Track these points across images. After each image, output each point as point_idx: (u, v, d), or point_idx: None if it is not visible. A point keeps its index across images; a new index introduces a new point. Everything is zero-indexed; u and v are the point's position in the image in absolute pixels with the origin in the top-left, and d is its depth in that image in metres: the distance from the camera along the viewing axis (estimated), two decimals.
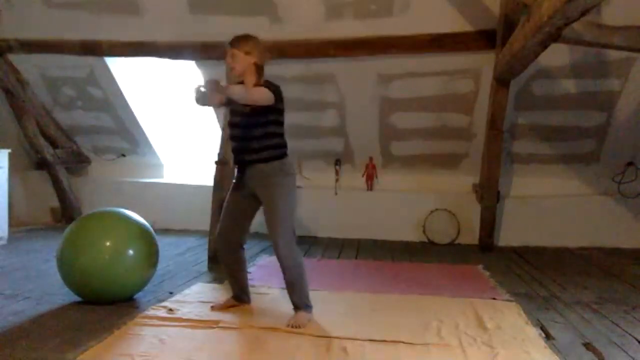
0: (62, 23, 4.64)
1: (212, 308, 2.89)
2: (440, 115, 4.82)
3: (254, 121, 2.63)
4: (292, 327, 2.59)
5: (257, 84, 2.65)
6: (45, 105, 5.51)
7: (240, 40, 2.64)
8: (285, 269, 2.69)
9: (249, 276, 3.66)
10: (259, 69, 2.67)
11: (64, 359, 2.19)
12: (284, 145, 2.73)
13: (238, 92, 2.48)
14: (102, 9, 4.49)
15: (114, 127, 5.63)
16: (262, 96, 2.55)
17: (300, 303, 2.70)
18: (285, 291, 3.20)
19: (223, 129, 4.33)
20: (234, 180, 2.85)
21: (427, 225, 5.15)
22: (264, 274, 3.71)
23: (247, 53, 2.62)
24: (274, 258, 4.23)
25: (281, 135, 2.73)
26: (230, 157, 4.19)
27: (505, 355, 2.31)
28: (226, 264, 2.90)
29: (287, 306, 2.76)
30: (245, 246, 2.91)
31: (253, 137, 2.64)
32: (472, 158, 5.05)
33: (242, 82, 2.70)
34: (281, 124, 2.73)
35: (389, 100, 4.76)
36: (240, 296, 2.96)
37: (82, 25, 4.61)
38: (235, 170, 2.83)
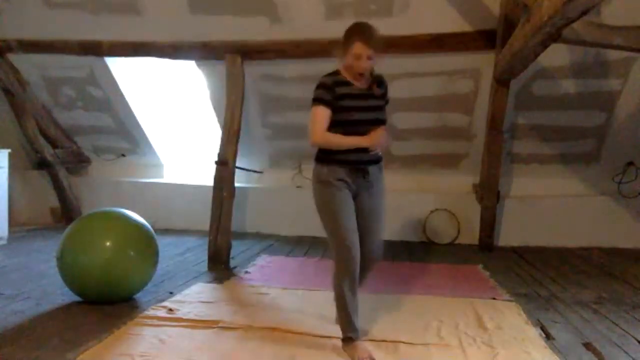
0: (62, 23, 4.63)
1: None
2: (440, 115, 4.81)
3: None
4: None
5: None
6: (45, 105, 5.50)
7: (379, 39, 2.38)
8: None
9: (247, 276, 3.68)
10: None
11: (64, 359, 2.19)
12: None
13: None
14: (102, 9, 4.48)
15: (114, 127, 5.63)
16: None
17: None
18: (285, 291, 3.22)
19: (223, 129, 4.33)
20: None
21: (427, 225, 5.15)
22: (264, 274, 3.71)
23: (379, 53, 2.40)
24: (273, 258, 4.28)
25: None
26: (231, 157, 4.23)
27: (505, 355, 2.31)
28: (355, 281, 2.36)
29: (287, 306, 2.76)
30: None
31: None
32: (472, 158, 5.04)
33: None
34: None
35: (389, 100, 4.74)
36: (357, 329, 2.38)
37: (82, 25, 4.60)
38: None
